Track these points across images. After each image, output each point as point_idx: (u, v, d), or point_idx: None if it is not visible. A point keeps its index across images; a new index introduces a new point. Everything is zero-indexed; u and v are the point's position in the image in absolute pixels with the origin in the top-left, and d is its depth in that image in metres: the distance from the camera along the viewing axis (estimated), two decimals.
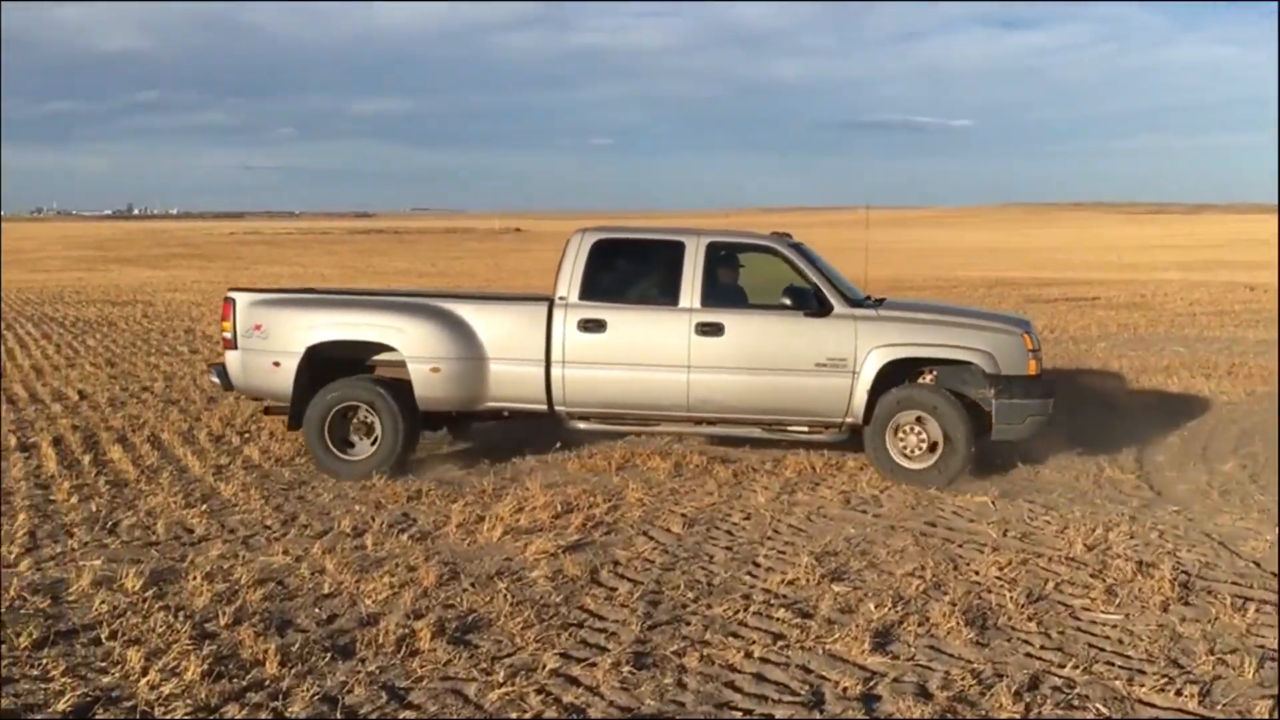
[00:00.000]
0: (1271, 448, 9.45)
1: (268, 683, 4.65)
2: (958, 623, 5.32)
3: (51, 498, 7.73)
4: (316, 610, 5.57)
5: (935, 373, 8.58)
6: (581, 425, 8.72)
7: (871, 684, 4.70)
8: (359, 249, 75.15)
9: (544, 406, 8.61)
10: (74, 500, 7.62)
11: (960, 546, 6.76)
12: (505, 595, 5.75)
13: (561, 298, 8.52)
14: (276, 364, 8.46)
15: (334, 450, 8.47)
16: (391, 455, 8.43)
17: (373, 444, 8.48)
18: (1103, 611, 5.58)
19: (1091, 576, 6.13)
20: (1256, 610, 5.53)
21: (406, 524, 7.19)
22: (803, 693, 4.62)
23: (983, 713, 4.43)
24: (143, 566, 6.13)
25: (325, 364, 8.57)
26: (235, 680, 4.66)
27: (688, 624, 5.38)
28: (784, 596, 5.81)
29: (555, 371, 8.47)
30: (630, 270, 8.94)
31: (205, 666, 4.73)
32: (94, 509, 7.44)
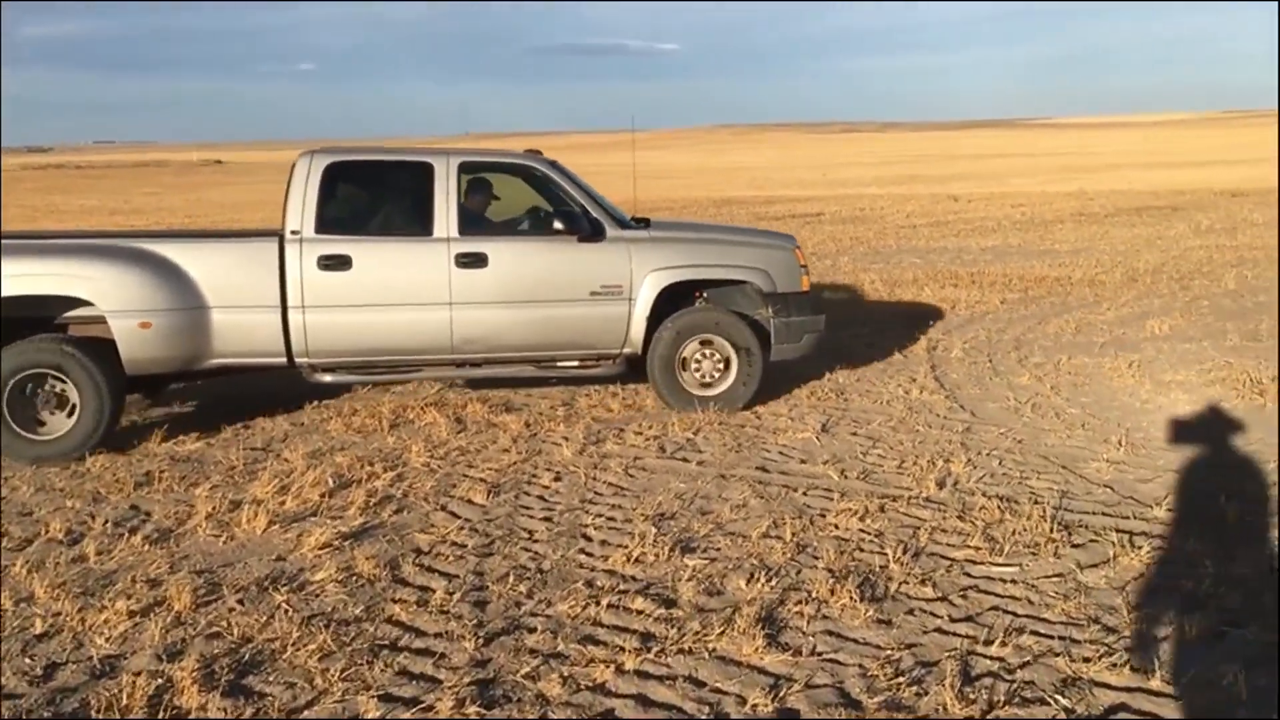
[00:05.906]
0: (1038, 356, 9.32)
1: None
2: (850, 598, 4.53)
3: None
4: (27, 661, 4.12)
5: (705, 295, 8.21)
6: (327, 378, 7.54)
7: (780, 693, 3.80)
8: (37, 186, 67.07)
9: (282, 359, 7.38)
10: None
11: (805, 494, 6.01)
12: (287, 612, 4.49)
13: (294, 232, 7.29)
14: None
15: (21, 431, 6.77)
16: (97, 429, 6.87)
17: (70, 418, 6.85)
18: (993, 564, 4.94)
19: (960, 520, 5.51)
20: (1150, 549, 5.05)
21: (138, 520, 5.71)
22: (703, 715, 3.69)
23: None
24: None
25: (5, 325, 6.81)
26: None
27: (531, 630, 4.32)
28: (634, 579, 4.84)
29: (294, 318, 7.26)
30: (374, 198, 7.90)
31: None
32: None
